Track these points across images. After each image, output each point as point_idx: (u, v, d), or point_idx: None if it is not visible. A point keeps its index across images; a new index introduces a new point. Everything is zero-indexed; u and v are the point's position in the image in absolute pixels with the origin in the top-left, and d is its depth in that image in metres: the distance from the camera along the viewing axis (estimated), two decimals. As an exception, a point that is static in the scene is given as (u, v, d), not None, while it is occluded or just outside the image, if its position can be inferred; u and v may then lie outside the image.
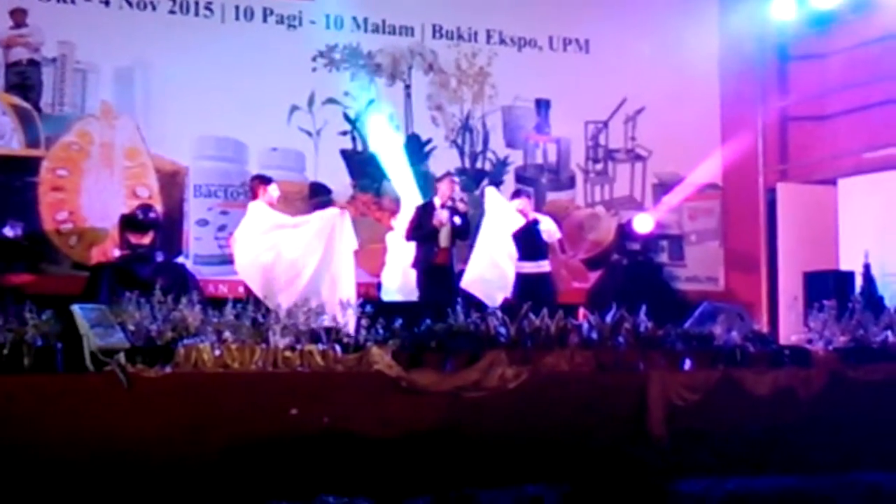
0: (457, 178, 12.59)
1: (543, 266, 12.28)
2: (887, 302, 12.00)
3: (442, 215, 11.63)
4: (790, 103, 15.92)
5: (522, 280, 12.02)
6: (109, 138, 12.96)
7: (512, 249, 12.16)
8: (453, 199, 12.01)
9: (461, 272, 12.13)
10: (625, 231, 14.29)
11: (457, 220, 11.80)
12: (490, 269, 12.16)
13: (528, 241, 12.20)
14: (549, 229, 12.43)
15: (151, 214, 11.69)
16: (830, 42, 15.10)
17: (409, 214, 12.33)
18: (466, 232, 12.04)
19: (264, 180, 11.46)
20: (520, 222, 12.24)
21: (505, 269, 12.14)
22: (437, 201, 11.97)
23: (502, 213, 12.38)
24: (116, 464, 7.57)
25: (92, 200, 12.77)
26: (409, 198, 13.39)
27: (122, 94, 13.14)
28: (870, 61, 14.52)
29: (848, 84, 14.86)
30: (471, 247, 12.35)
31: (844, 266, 14.19)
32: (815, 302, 10.90)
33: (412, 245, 11.97)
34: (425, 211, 11.98)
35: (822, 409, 9.49)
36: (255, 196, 11.38)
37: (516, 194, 12.86)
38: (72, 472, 7.44)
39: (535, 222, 12.31)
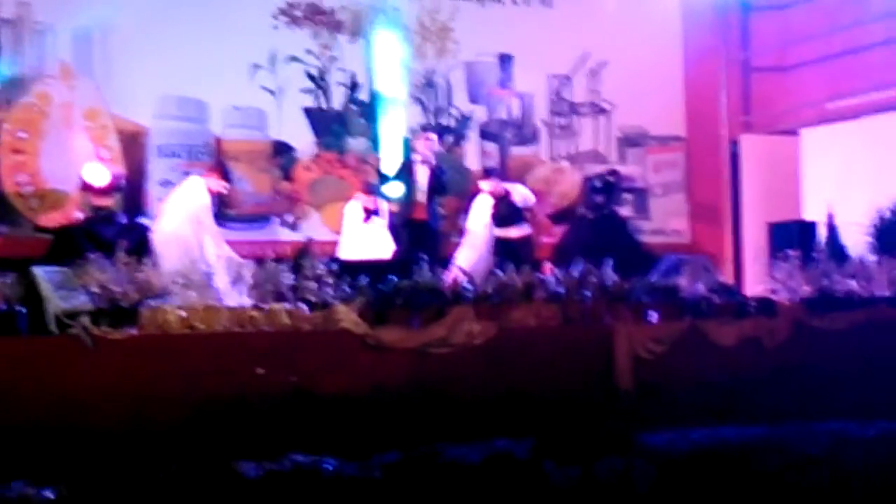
0: (432, 135, 12.58)
1: (519, 230, 12.38)
2: (851, 251, 12.05)
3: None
4: (752, 55, 15.93)
5: (501, 244, 12.11)
6: (69, 99, 12.84)
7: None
8: (430, 155, 12.05)
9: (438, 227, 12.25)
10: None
11: (433, 175, 11.89)
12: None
13: (503, 211, 12.31)
14: (523, 195, 12.53)
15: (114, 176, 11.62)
16: (791, -8, 15.13)
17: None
18: (442, 187, 12.08)
19: (223, 172, 11.37)
20: (491, 201, 12.39)
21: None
22: (416, 158, 11.99)
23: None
24: (82, 426, 7.54)
25: (52, 162, 12.65)
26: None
27: (81, 54, 13.00)
28: (831, 11, 14.54)
29: (810, 34, 14.87)
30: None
31: (808, 216, 14.25)
32: (779, 252, 10.94)
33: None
34: (404, 169, 12.04)
35: (787, 358, 9.55)
36: (205, 174, 11.29)
37: (485, 174, 12.90)
38: (37, 435, 7.40)
39: (506, 194, 12.39)
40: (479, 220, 12.48)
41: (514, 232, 12.39)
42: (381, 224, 12.27)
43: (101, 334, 7.85)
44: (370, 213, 12.32)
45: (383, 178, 12.94)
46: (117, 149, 12.88)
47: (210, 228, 10.90)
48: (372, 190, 12.59)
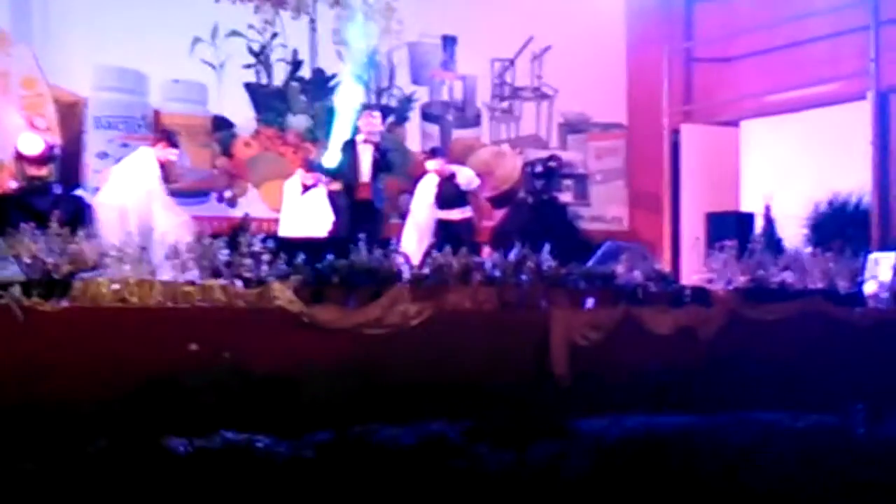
0: (375, 113, 12.52)
1: (462, 213, 12.36)
2: (786, 243, 12.15)
3: None
4: (695, 44, 16.01)
5: (442, 226, 12.08)
6: (5, 66, 12.66)
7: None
8: (374, 134, 12.01)
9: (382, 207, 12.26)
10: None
11: (376, 154, 11.84)
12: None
13: (446, 192, 12.27)
14: (468, 177, 12.51)
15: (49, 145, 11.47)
16: (736, -17, 15.19)
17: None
18: (387, 165, 12.04)
19: (171, 140, 11.23)
20: (436, 181, 12.35)
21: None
22: (360, 137, 11.94)
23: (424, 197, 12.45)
24: (9, 399, 7.43)
25: (-13, 128, 12.48)
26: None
27: (19, 21, 12.83)
28: (774, 4, 14.64)
29: (752, 27, 14.96)
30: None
31: (746, 207, 14.38)
32: (716, 242, 10.99)
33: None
34: (348, 147, 11.98)
35: (722, 348, 9.60)
36: (152, 145, 11.16)
37: (431, 153, 12.85)
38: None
39: (452, 175, 12.36)
40: (423, 200, 12.44)
41: (455, 214, 12.37)
42: (320, 200, 12.21)
43: (32, 305, 7.74)
44: (308, 189, 12.27)
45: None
46: (54, 119, 12.71)
47: (162, 198, 10.80)
48: (312, 166, 12.53)
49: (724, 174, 15.13)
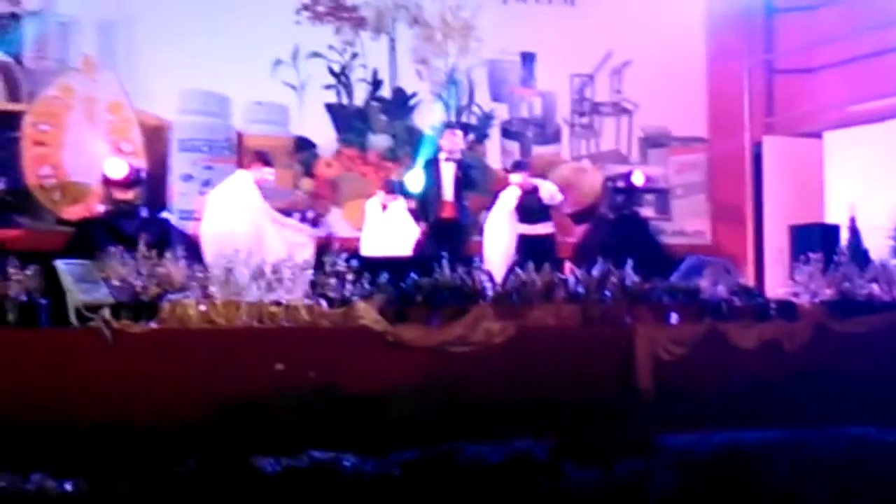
0: (457, 131, 12.54)
1: (544, 228, 12.29)
2: (872, 255, 12.00)
3: None
4: (776, 56, 15.89)
5: (523, 241, 12.02)
6: (92, 92, 12.84)
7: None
8: (456, 152, 12.04)
9: (467, 224, 12.27)
10: (627, 185, 14.32)
11: (460, 172, 11.87)
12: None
13: (528, 206, 12.21)
14: (550, 192, 12.40)
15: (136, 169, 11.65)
16: (817, -6, 15.06)
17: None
18: (471, 182, 12.06)
19: (264, 160, 11.17)
20: (517, 194, 12.29)
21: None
22: (442, 155, 11.99)
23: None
24: (100, 420, 7.55)
25: (75, 155, 12.64)
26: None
27: (105, 47, 13.02)
28: (855, 14, 14.46)
29: (833, 37, 14.80)
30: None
31: (830, 219, 14.21)
32: (800, 255, 10.91)
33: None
34: (431, 166, 12.03)
35: (808, 362, 9.52)
36: (246, 167, 11.14)
37: (515, 167, 12.78)
38: (56, 429, 7.41)
39: (535, 189, 12.29)
40: (502, 212, 12.35)
41: (538, 229, 12.26)
42: (401, 217, 12.24)
43: (121, 328, 7.88)
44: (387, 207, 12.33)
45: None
46: (140, 142, 12.88)
47: (273, 219, 10.79)
48: (392, 187, 12.56)
49: (808, 186, 14.98)
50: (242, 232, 10.34)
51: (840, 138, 14.92)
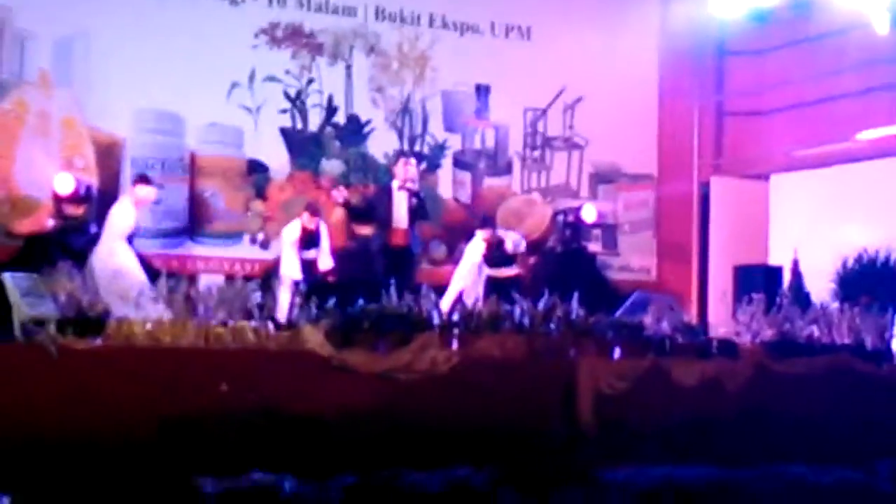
0: (412, 160, 12.64)
1: (510, 270, 12.48)
2: (814, 297, 12.16)
3: None
4: (727, 98, 16.08)
5: (491, 283, 12.21)
6: (46, 107, 12.84)
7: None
8: (410, 181, 12.12)
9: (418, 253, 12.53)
10: (577, 220, 14.49)
11: (413, 201, 11.95)
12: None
13: (495, 255, 12.43)
14: (515, 242, 12.64)
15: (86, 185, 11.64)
16: (768, 39, 15.23)
17: None
18: (424, 212, 12.17)
19: (144, 179, 11.34)
20: (483, 247, 12.50)
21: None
22: (395, 183, 12.06)
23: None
24: (42, 435, 7.52)
25: (26, 169, 12.62)
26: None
27: (61, 63, 13.01)
28: (806, 59, 14.68)
29: (784, 81, 15.01)
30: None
31: (774, 261, 14.39)
32: (744, 295, 11.01)
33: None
34: (383, 194, 12.09)
35: (748, 401, 9.59)
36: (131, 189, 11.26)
37: (482, 224, 12.95)
38: (-2, 443, 7.39)
39: (500, 241, 12.51)
40: (470, 262, 12.59)
41: (504, 272, 12.48)
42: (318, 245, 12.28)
43: (66, 343, 7.83)
44: (308, 233, 12.22)
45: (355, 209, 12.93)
46: (92, 159, 12.88)
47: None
48: (315, 210, 12.50)
49: (753, 227, 15.16)
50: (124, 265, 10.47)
51: (786, 181, 15.12)
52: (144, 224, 12.98)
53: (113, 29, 13.07)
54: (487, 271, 12.52)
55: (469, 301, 11.63)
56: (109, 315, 8.19)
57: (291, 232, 12.26)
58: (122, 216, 10.98)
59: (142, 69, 13.06)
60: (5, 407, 7.52)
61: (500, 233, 12.83)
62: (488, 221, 13.07)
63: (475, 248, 12.68)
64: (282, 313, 8.86)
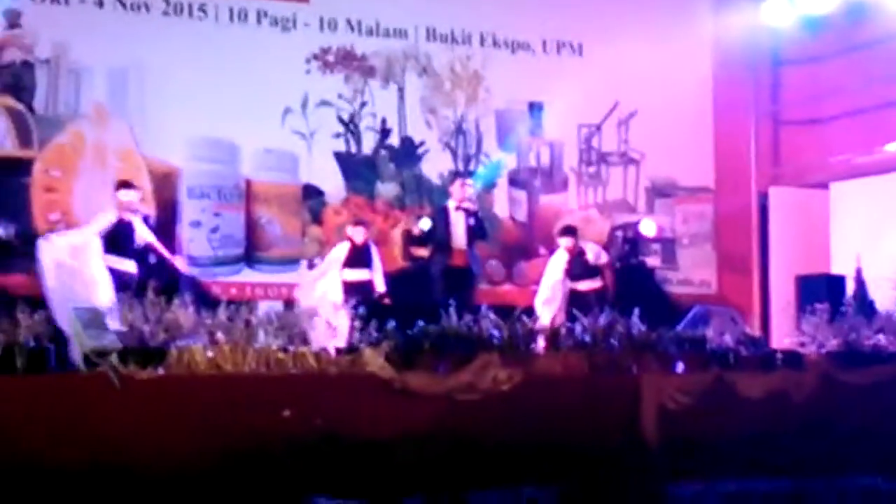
0: (469, 181, 12.61)
1: (593, 283, 12.33)
2: (878, 306, 12.01)
3: None
4: (783, 107, 15.96)
5: (573, 297, 12.12)
6: (102, 139, 12.94)
7: None
8: (466, 201, 12.10)
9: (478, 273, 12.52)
10: (635, 235, 14.39)
11: (471, 221, 11.93)
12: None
13: (577, 267, 12.32)
14: (596, 252, 12.51)
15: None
16: (823, 46, 15.10)
17: None
18: (482, 232, 12.14)
19: (125, 184, 11.18)
20: (566, 258, 12.39)
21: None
22: (452, 204, 12.05)
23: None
24: (108, 466, 7.56)
25: (84, 201, 12.70)
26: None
27: (116, 95, 13.10)
28: (861, 65, 14.54)
29: (840, 88, 14.87)
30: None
31: (836, 270, 14.24)
32: (807, 305, 10.91)
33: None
34: (439, 215, 12.09)
35: (815, 412, 9.50)
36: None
37: (564, 232, 12.81)
38: (64, 474, 7.42)
39: (581, 252, 12.39)
40: (554, 275, 12.47)
41: (587, 284, 12.32)
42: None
43: (129, 373, 7.87)
44: (356, 249, 12.17)
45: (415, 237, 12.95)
46: (149, 189, 12.95)
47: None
48: (362, 223, 12.49)
49: (814, 236, 15.02)
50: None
51: (846, 189, 14.97)
52: (202, 252, 13.14)
53: (166, 59, 13.15)
54: (569, 284, 12.35)
55: (550, 315, 11.65)
56: (171, 344, 8.21)
57: (339, 251, 12.23)
58: (100, 218, 10.87)
59: (195, 98, 13.14)
60: (71, 437, 7.58)
61: (581, 243, 12.66)
62: (570, 230, 12.89)
63: (558, 260, 12.53)
64: (319, 340, 8.78)
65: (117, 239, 10.68)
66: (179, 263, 11.62)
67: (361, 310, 9.06)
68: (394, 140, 14.44)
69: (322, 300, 11.03)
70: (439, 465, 8.11)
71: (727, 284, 15.60)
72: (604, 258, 12.61)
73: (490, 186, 14.74)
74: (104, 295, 9.75)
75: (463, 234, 11.96)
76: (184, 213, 13.27)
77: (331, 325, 8.91)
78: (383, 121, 14.38)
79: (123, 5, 13.23)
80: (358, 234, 12.23)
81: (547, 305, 12.18)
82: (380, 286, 12.11)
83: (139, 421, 7.77)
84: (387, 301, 11.88)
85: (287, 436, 8.00)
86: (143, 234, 10.92)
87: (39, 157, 12.73)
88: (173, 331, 8.33)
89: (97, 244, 10.50)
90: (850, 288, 13.32)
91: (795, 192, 15.49)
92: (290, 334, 8.63)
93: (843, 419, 9.51)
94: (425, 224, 12.12)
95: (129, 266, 10.67)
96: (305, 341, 8.63)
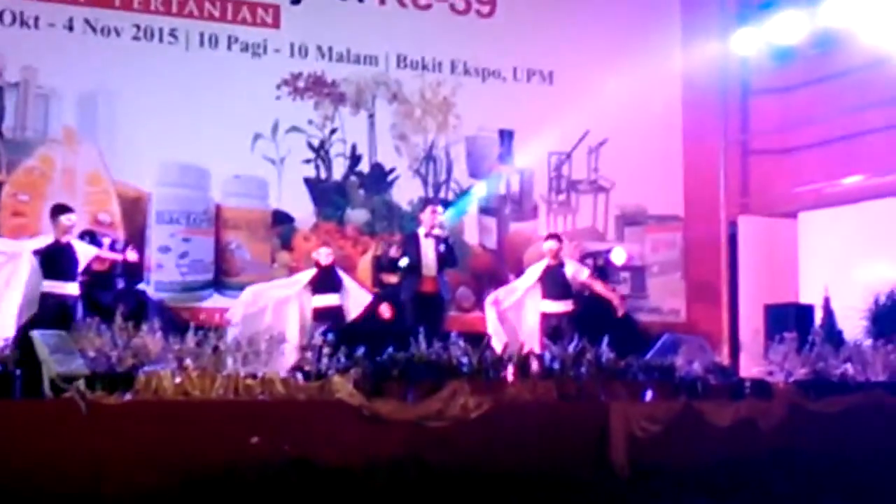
0: (439, 208, 12.60)
1: (565, 305, 12.27)
2: (846, 335, 12.06)
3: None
4: (752, 137, 16.04)
5: (546, 320, 12.07)
6: (72, 164, 12.90)
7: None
8: (437, 228, 12.09)
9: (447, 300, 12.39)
10: (605, 263, 14.38)
11: (441, 247, 11.90)
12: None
13: (552, 281, 12.27)
14: (575, 269, 12.43)
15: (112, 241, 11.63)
16: (792, 76, 15.22)
17: None
18: (453, 259, 12.11)
19: (60, 209, 10.95)
20: (544, 264, 12.32)
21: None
22: (422, 230, 12.04)
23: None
24: (76, 492, 7.50)
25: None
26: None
27: (85, 119, 13.08)
28: (830, 95, 14.65)
29: (809, 118, 14.98)
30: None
31: (805, 299, 14.30)
32: (775, 334, 10.95)
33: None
34: (409, 241, 12.07)
35: (783, 440, 9.54)
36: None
37: (551, 236, 12.80)
38: (31, 500, 7.36)
39: (560, 265, 12.33)
40: (528, 280, 12.39)
41: (559, 306, 12.23)
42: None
43: (96, 399, 7.83)
44: (323, 271, 12.22)
45: (386, 260, 12.93)
46: (118, 214, 12.92)
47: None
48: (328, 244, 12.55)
49: (783, 266, 15.09)
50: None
51: (815, 219, 15.05)
52: (171, 277, 13.08)
53: (136, 84, 13.14)
54: (542, 306, 12.25)
55: (522, 333, 11.60)
56: (139, 370, 8.17)
57: (304, 275, 12.25)
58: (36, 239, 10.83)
59: (165, 123, 13.12)
60: (36, 463, 7.52)
61: (564, 257, 12.57)
62: (556, 236, 12.82)
63: (536, 267, 12.46)
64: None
65: (56, 262, 10.57)
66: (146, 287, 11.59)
67: (330, 336, 9.04)
68: (364, 166, 14.45)
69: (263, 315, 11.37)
70: (408, 492, 8.09)
71: (696, 313, 15.64)
72: (583, 275, 12.50)
73: (461, 216, 14.75)
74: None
75: (433, 261, 11.93)
76: (153, 238, 13.22)
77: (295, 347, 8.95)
78: (353, 147, 14.39)
79: (93, 29, 13.21)
80: (322, 256, 12.27)
81: (494, 306, 12.17)
82: (355, 310, 12.13)
83: (106, 447, 7.72)
84: (388, 315, 11.89)
85: (256, 462, 7.96)
86: (85, 253, 10.79)
87: (8, 181, 12.69)
88: (141, 356, 8.29)
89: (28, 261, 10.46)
90: (819, 317, 13.38)
91: (764, 222, 15.56)
92: (258, 361, 8.59)
93: (810, 448, 9.55)
94: (404, 262, 12.07)
95: (71, 289, 10.57)
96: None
